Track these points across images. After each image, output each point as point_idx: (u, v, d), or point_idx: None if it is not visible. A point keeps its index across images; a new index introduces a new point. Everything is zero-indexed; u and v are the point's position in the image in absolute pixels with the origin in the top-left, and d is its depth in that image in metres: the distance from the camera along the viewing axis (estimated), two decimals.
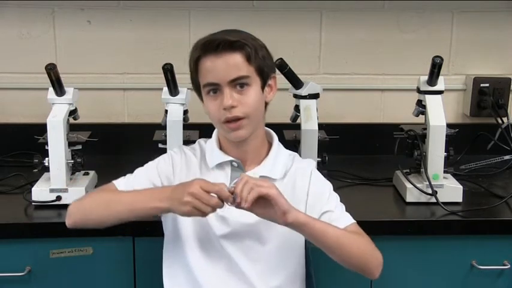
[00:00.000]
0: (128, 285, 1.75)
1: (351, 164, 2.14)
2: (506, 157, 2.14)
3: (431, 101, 1.85)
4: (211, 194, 1.34)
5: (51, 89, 1.80)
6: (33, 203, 1.78)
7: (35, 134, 1.86)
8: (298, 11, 2.23)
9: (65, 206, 1.75)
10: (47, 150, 1.78)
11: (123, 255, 1.73)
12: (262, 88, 1.49)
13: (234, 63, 1.42)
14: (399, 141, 1.92)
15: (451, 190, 1.83)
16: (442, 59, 1.79)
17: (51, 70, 1.75)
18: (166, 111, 1.87)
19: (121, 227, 1.52)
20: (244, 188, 1.32)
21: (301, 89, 1.90)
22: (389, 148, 1.94)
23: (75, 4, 2.19)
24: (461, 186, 1.84)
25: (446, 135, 1.83)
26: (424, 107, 1.86)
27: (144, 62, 2.23)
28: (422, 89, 1.87)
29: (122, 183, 1.54)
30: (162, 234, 1.57)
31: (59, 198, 1.77)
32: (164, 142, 1.85)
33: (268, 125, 1.60)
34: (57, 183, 1.77)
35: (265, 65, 1.48)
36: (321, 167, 1.61)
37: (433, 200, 1.80)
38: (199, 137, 1.67)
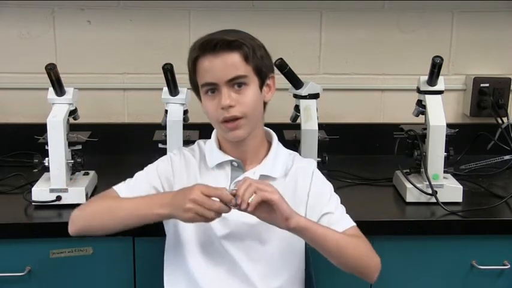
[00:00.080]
0: (127, 285, 1.75)
1: (351, 164, 2.14)
2: (506, 157, 2.14)
3: (431, 101, 1.85)
4: (213, 198, 1.34)
5: (51, 89, 1.80)
6: (33, 203, 1.77)
7: (35, 134, 1.86)
8: (298, 11, 2.23)
9: (65, 206, 1.76)
10: (47, 150, 1.78)
11: (123, 255, 1.73)
12: (261, 88, 1.49)
13: (232, 63, 1.43)
14: (399, 141, 1.92)
15: (451, 190, 1.83)
16: (442, 59, 1.79)
17: (51, 70, 1.75)
18: (166, 111, 1.87)
19: None
20: (246, 191, 1.32)
21: (301, 89, 1.90)
22: (389, 148, 1.94)
23: (75, 4, 2.19)
24: (461, 186, 1.84)
25: (446, 135, 1.83)
26: (424, 107, 1.86)
27: (144, 62, 2.23)
28: (422, 89, 1.87)
29: (123, 188, 1.54)
30: (162, 234, 1.57)
31: (59, 198, 1.77)
32: (164, 142, 1.85)
33: (268, 125, 1.60)
34: (57, 183, 1.77)
35: (263, 65, 1.48)
36: (321, 167, 1.61)
37: (433, 200, 1.80)
38: (199, 137, 1.67)
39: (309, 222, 1.39)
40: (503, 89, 2.27)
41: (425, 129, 1.87)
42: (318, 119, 1.88)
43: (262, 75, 1.48)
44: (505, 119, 2.23)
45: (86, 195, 1.79)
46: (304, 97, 1.90)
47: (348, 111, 2.32)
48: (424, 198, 1.82)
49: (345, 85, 2.30)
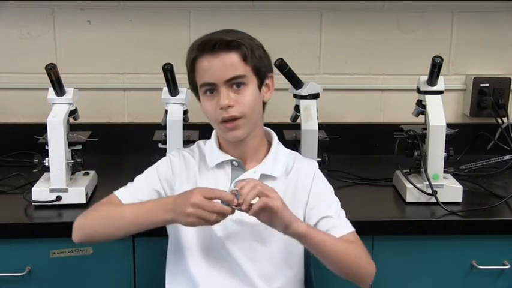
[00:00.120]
0: (127, 285, 1.75)
1: (351, 164, 2.14)
2: (506, 157, 2.14)
3: (431, 101, 1.85)
4: (215, 200, 1.34)
5: (51, 89, 1.80)
6: (33, 203, 1.77)
7: (35, 134, 1.86)
8: (298, 11, 2.24)
9: (65, 206, 1.77)
10: (47, 150, 1.78)
11: (123, 255, 1.73)
12: (260, 88, 1.49)
13: (231, 63, 1.43)
14: (399, 141, 1.92)
15: (451, 190, 1.83)
16: (442, 59, 1.79)
17: (51, 70, 1.75)
18: (166, 111, 1.87)
19: None
20: (250, 192, 1.31)
21: (301, 89, 1.90)
22: (389, 148, 1.94)
23: (75, 4, 2.19)
24: (461, 186, 1.84)
25: (446, 135, 1.83)
26: (424, 107, 1.86)
27: (144, 62, 2.23)
28: (422, 89, 1.87)
29: (124, 194, 1.53)
30: (162, 235, 1.57)
31: (59, 198, 1.77)
32: (164, 142, 1.84)
33: (268, 125, 1.60)
34: (57, 183, 1.77)
35: (262, 65, 1.48)
36: (321, 167, 1.61)
37: (433, 200, 1.80)
38: (199, 137, 1.67)
39: (307, 229, 1.38)
40: (503, 89, 2.27)
41: (425, 129, 1.87)
42: (318, 119, 1.88)
43: (261, 75, 1.48)
44: (505, 119, 2.23)
45: (86, 195, 1.79)
46: (304, 97, 1.90)
47: (348, 111, 2.32)
48: (424, 198, 1.82)
49: (345, 85, 2.30)
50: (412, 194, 1.83)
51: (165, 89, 1.86)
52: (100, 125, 2.19)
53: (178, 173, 1.55)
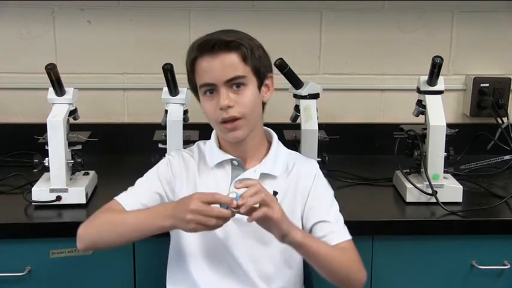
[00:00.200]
0: (127, 285, 1.75)
1: (351, 164, 2.14)
2: (506, 157, 2.14)
3: (431, 101, 1.85)
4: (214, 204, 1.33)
5: (51, 89, 1.80)
6: (33, 203, 1.77)
7: (35, 134, 1.86)
8: (298, 11, 2.23)
9: (65, 206, 1.77)
10: (47, 150, 1.78)
11: (123, 255, 1.73)
12: (259, 88, 1.49)
13: (230, 63, 1.42)
14: (399, 141, 1.92)
15: (451, 190, 1.83)
16: (442, 59, 1.79)
17: (51, 70, 1.75)
18: (166, 111, 1.87)
19: None
20: (252, 198, 1.30)
21: (301, 89, 1.90)
22: (389, 148, 1.94)
23: (75, 4, 2.19)
24: (461, 186, 1.84)
25: (446, 135, 1.83)
26: (424, 107, 1.86)
27: (144, 62, 2.23)
28: (422, 89, 1.87)
29: (126, 199, 1.52)
30: (162, 235, 1.56)
31: (59, 198, 1.77)
32: (164, 142, 1.84)
33: (268, 125, 1.60)
34: (57, 183, 1.77)
35: (262, 65, 1.48)
36: (321, 167, 1.60)
37: (433, 200, 1.80)
38: (199, 137, 1.67)
39: (304, 238, 1.38)
40: (503, 89, 2.27)
41: (425, 129, 1.87)
42: (318, 119, 1.88)
43: (261, 75, 1.48)
44: (505, 119, 2.23)
45: (86, 195, 1.79)
46: (304, 97, 1.90)
47: (348, 111, 2.32)
48: (424, 198, 1.82)
49: (345, 85, 2.30)
50: (412, 194, 1.83)
51: (165, 89, 1.86)
52: (100, 125, 2.19)
53: (178, 174, 1.55)
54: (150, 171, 1.58)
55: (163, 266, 1.58)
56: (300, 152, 1.78)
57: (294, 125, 1.96)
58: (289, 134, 1.95)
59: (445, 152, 1.83)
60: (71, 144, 1.84)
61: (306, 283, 1.61)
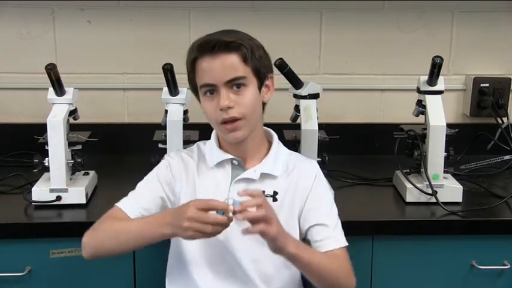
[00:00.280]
0: (128, 285, 1.75)
1: (351, 164, 2.14)
2: (506, 157, 2.14)
3: (431, 101, 1.85)
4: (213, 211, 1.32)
5: (51, 89, 1.80)
6: (33, 203, 1.77)
7: (35, 134, 1.86)
8: (298, 11, 2.23)
9: (65, 206, 1.77)
10: (47, 150, 1.78)
11: (124, 256, 1.71)
12: (260, 88, 1.48)
13: (230, 64, 1.42)
14: (399, 141, 1.92)
15: (451, 190, 1.83)
16: (442, 59, 1.79)
17: (51, 70, 1.75)
18: (166, 111, 1.87)
19: None
20: (253, 212, 1.30)
21: (301, 89, 1.90)
22: (389, 148, 1.94)
23: (75, 4, 2.19)
24: (461, 186, 1.84)
25: (446, 135, 1.83)
26: (424, 107, 1.86)
27: (144, 62, 2.23)
28: (422, 89, 1.87)
29: (128, 205, 1.51)
30: None
31: (59, 198, 1.77)
32: (164, 142, 1.84)
33: (268, 125, 1.60)
34: (57, 183, 1.77)
35: (262, 65, 1.48)
36: (321, 167, 1.61)
37: (433, 200, 1.80)
38: (199, 137, 1.67)
39: (296, 250, 1.37)
40: (503, 89, 2.27)
41: (425, 129, 1.87)
42: (318, 119, 1.88)
43: (261, 76, 1.48)
44: (505, 119, 2.23)
45: (86, 195, 1.79)
46: (304, 97, 1.90)
47: (348, 111, 2.32)
48: (424, 198, 1.82)
49: (345, 85, 2.30)
50: (412, 194, 1.83)
51: (165, 89, 1.86)
52: (100, 125, 2.19)
53: (177, 175, 1.55)
54: (149, 174, 1.57)
55: (163, 266, 1.58)
56: (300, 152, 1.78)
57: (294, 125, 1.96)
58: (289, 134, 1.95)
59: (445, 152, 1.83)
60: (71, 144, 1.84)
61: (305, 284, 1.60)
